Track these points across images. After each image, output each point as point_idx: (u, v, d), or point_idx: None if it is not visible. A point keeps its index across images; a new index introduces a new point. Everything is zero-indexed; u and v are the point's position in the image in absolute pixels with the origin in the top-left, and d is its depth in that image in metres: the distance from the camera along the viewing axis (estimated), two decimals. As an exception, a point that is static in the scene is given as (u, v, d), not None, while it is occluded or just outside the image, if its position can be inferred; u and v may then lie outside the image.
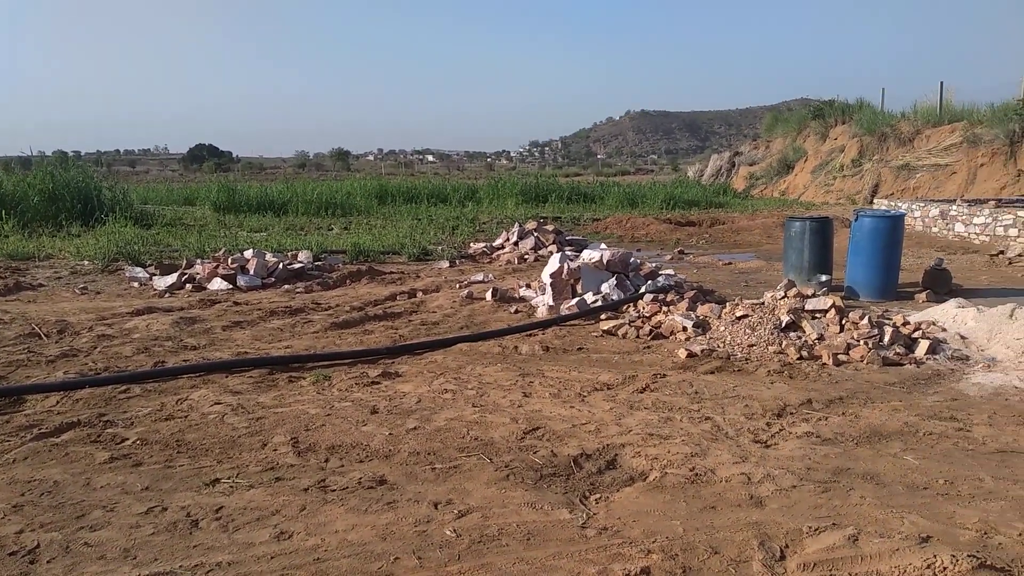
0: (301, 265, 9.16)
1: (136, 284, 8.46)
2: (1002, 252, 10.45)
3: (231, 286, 8.26)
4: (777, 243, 10.45)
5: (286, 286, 8.36)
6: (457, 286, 8.23)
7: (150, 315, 6.70)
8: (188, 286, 8.24)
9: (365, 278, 8.92)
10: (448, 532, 2.78)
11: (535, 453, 3.56)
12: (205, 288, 8.22)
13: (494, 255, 10.92)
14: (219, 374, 4.94)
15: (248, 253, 9.01)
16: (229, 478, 3.29)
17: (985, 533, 2.71)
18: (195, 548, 2.67)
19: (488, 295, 7.42)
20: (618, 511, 2.95)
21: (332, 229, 14.65)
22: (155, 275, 8.71)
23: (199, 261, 9.14)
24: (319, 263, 9.65)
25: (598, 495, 3.12)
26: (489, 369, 5.07)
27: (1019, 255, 10.17)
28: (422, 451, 3.59)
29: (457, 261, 10.40)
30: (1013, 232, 11.39)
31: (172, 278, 8.36)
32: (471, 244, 11.89)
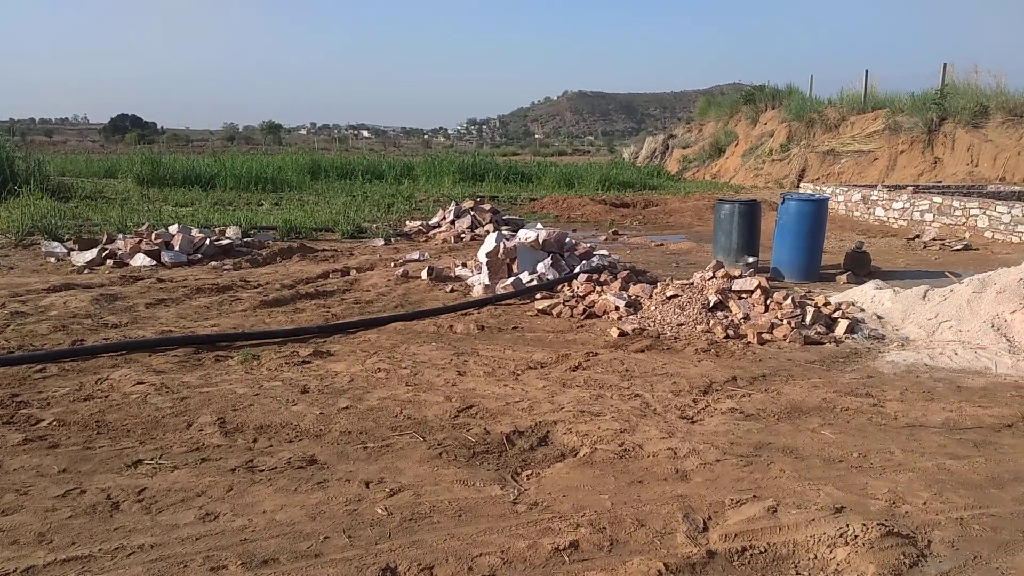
0: (229, 241, 8.91)
1: (53, 259, 8.07)
2: (918, 236, 10.97)
3: (155, 262, 7.97)
4: (707, 225, 10.70)
5: (213, 263, 8.12)
6: (392, 264, 8.15)
7: (68, 292, 6.42)
8: (109, 262, 7.91)
9: (297, 255, 8.74)
10: (379, 510, 2.77)
11: (468, 431, 3.57)
12: (127, 264, 7.92)
13: (430, 234, 10.84)
14: (142, 353, 4.78)
15: (173, 228, 8.70)
16: (152, 459, 3.20)
17: (894, 503, 2.87)
18: (115, 531, 2.60)
19: (424, 274, 7.37)
20: (549, 487, 3.00)
21: (262, 205, 14.27)
22: (73, 250, 8.33)
23: (121, 236, 8.78)
24: (248, 239, 9.41)
25: (530, 471, 3.17)
26: (423, 348, 5.05)
27: (933, 239, 10.69)
28: (354, 430, 3.57)
29: (392, 239, 10.29)
30: (928, 217, 11.95)
31: (92, 253, 8.01)
32: (407, 222, 11.77)
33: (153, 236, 8.41)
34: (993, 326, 5.23)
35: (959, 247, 10.15)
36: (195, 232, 8.82)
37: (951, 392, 4.28)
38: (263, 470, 3.12)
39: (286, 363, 4.67)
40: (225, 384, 4.24)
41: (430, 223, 11.36)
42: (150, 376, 4.33)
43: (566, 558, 2.46)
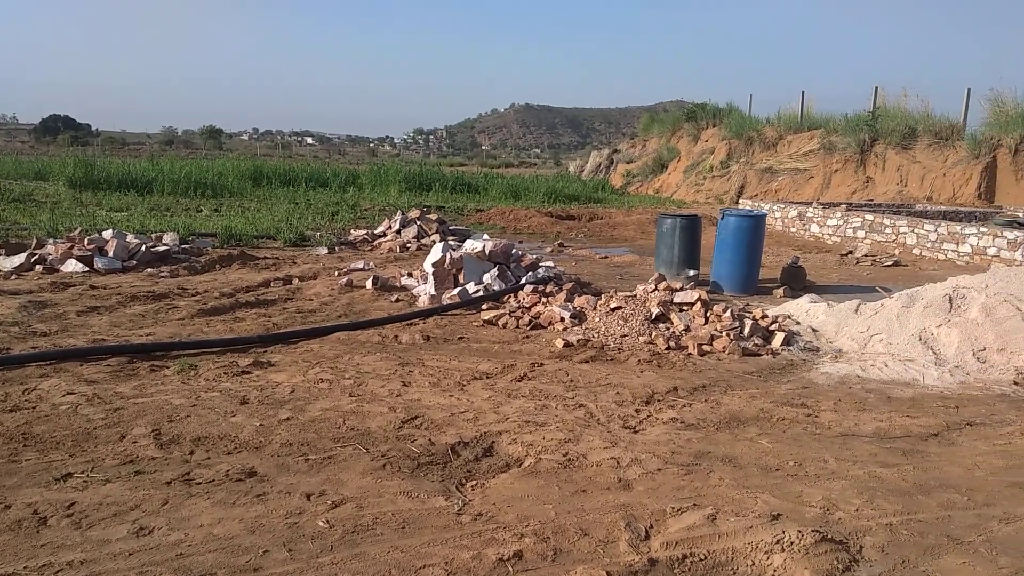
0: (167, 248, 8.66)
1: (-24, 264, 7.71)
2: (851, 252, 11.37)
3: (87, 269, 7.69)
4: (650, 238, 10.89)
5: (149, 270, 7.88)
6: (336, 273, 8.05)
7: (-8, 298, 6.14)
8: (38, 268, 7.59)
9: (237, 263, 8.55)
10: (321, 523, 2.73)
11: (413, 442, 3.55)
12: (58, 270, 7.62)
13: (375, 243, 10.75)
14: (72, 362, 4.61)
15: (107, 234, 8.42)
16: (83, 472, 3.08)
17: (827, 509, 2.96)
18: (43, 547, 2.49)
19: (368, 283, 7.30)
20: (493, 497, 3.00)
21: (202, 211, 13.93)
22: (0, 255, 7.98)
23: (51, 241, 8.46)
24: (186, 246, 9.16)
25: (474, 482, 3.16)
26: (368, 358, 5.00)
27: (865, 255, 11.10)
28: (295, 442, 3.50)
29: (337, 248, 10.16)
30: (861, 234, 12.41)
31: (20, 259, 7.68)
32: (352, 231, 11.65)
33: (86, 241, 8.12)
34: (921, 339, 5.45)
35: (889, 263, 10.56)
36: (130, 238, 8.55)
37: (881, 403, 4.45)
38: (200, 483, 3.04)
39: (225, 373, 4.56)
40: (161, 395, 4.12)
41: (375, 232, 11.27)
42: (81, 386, 4.17)
43: (510, 568, 2.46)
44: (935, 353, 5.30)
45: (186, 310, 6.17)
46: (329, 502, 2.90)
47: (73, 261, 7.70)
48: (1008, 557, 2.62)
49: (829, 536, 2.68)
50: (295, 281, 7.63)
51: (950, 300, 5.73)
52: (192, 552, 2.49)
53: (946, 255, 10.93)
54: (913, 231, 11.56)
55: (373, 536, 2.65)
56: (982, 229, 10.65)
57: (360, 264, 8.53)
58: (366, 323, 5.92)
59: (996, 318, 5.44)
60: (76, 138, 61.06)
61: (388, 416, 3.87)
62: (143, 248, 8.32)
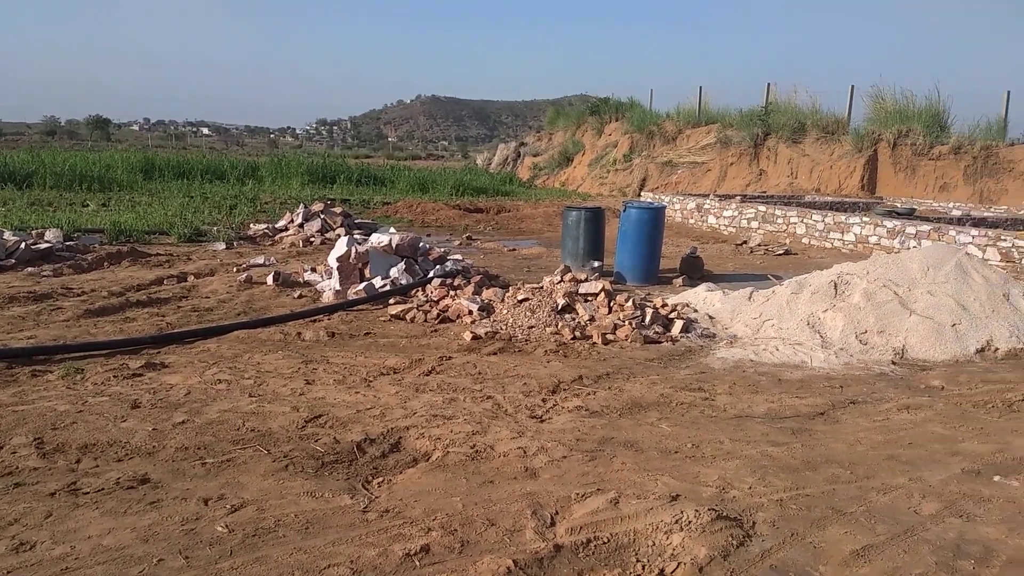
0: (49, 245, 8.13)
1: None
2: (745, 242, 11.89)
3: (-42, 268, 7.13)
4: (557, 231, 11.04)
5: (29, 269, 7.38)
6: (235, 270, 7.77)
7: None
8: (-101, 268, 6.99)
9: (127, 260, 8.12)
10: (219, 528, 2.64)
11: (317, 441, 3.48)
12: (-77, 271, 7.03)
13: (277, 237, 10.44)
14: (-59, 370, 4.27)
15: (-20, 231, 7.83)
16: (-47, 488, 2.87)
17: (723, 489, 3.09)
18: (-94, 572, 2.30)
19: (269, 279, 7.09)
20: (400, 492, 2.98)
21: (88, 206, 13.15)
22: None
23: (-86, 239, 7.78)
24: (71, 243, 8.63)
25: (381, 478, 3.13)
26: (269, 357, 4.86)
27: (759, 245, 11.63)
28: (191, 446, 3.37)
29: (235, 243, 9.81)
30: (754, 224, 12.98)
31: None
32: (251, 225, 11.27)
33: (-45, 239, 7.52)
34: (809, 324, 5.76)
35: (781, 252, 11.10)
36: (8, 235, 7.98)
37: (773, 385, 4.68)
38: (88, 492, 2.88)
39: (114, 377, 4.33)
40: (43, 401, 3.87)
41: (277, 226, 10.93)
42: (-50, 395, 3.87)
43: (417, 563, 2.45)
44: (822, 336, 5.62)
45: (71, 311, 5.82)
46: (228, 506, 2.81)
47: (-59, 260, 7.13)
48: (885, 525, 2.81)
49: (724, 514, 2.80)
50: (191, 278, 7.32)
51: (835, 286, 6.08)
52: (79, 566, 2.36)
53: (832, 244, 11.59)
54: (802, 221, 12.19)
55: (275, 539, 2.59)
56: (864, 219, 11.35)
57: (260, 260, 8.27)
58: (267, 320, 5.75)
59: (876, 302, 5.82)
60: (-58, 127, 56.31)
61: (291, 416, 3.78)
62: (22, 246, 7.78)
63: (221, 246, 9.49)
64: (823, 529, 2.77)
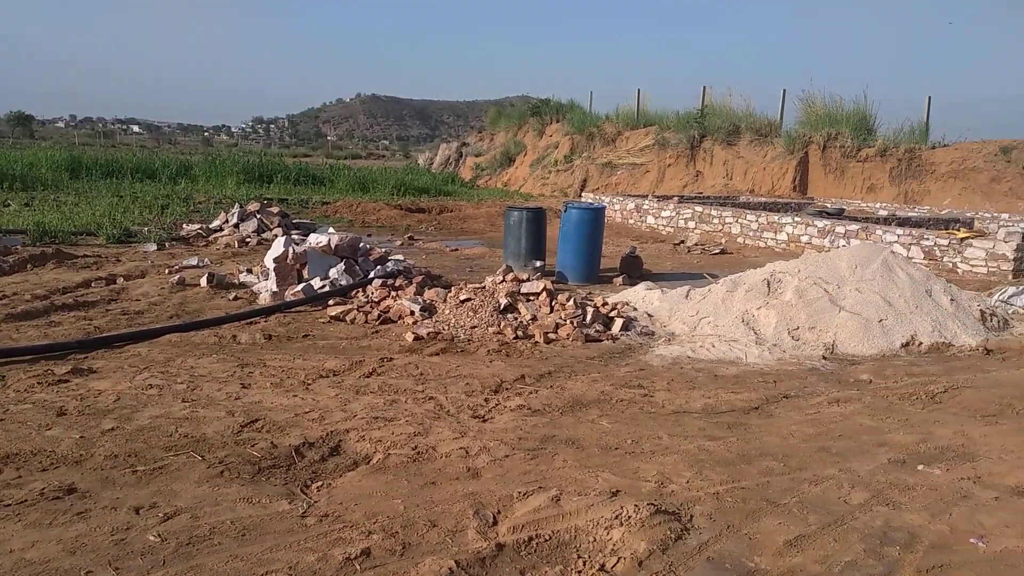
0: (-34, 247, 7.74)
1: None
2: (683, 242, 12.13)
3: None
4: (500, 231, 11.06)
5: (-56, 271, 7.01)
6: (167, 271, 7.53)
7: None
8: None
9: (52, 262, 7.78)
10: (152, 537, 2.55)
11: (253, 446, 3.40)
12: None
13: (211, 238, 10.16)
14: None
15: None
16: None
17: (662, 483, 3.15)
18: None
19: (203, 281, 6.90)
20: (340, 496, 2.94)
21: (9, 205, 12.57)
22: None
23: None
24: (-9, 245, 8.23)
25: (320, 483, 3.08)
26: (203, 361, 4.72)
27: (696, 244, 11.88)
28: (121, 453, 3.25)
29: (167, 244, 9.51)
30: (691, 224, 13.26)
31: None
32: (184, 225, 10.94)
33: None
34: (743, 321, 5.91)
35: (717, 251, 11.37)
36: (-81, 236, 7.56)
37: (709, 380, 4.78)
38: (9, 504, 2.75)
39: (38, 383, 4.15)
40: (-41, 411, 3.68)
41: (211, 227, 10.65)
42: None
43: (357, 567, 2.42)
44: (756, 333, 5.77)
45: (-10, 315, 5.55)
46: (161, 514, 2.72)
47: None
48: (816, 515, 2.91)
49: (663, 508, 2.85)
50: (120, 280, 7.07)
51: (768, 284, 6.25)
52: (-2, 582, 2.26)
53: (766, 243, 11.92)
54: (737, 221, 12.50)
55: (210, 546, 2.52)
56: (796, 219, 11.71)
57: (194, 261, 8.05)
58: (201, 323, 5.59)
59: (807, 299, 6.01)
60: None
61: (226, 420, 3.68)
62: (-65, 247, 7.38)
63: (152, 247, 9.19)
64: (758, 520, 2.85)
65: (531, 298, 6.27)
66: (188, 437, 3.47)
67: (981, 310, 6.18)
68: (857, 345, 5.62)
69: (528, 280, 6.56)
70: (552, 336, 5.61)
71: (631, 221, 14.78)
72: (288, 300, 6.41)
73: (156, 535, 2.57)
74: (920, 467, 3.43)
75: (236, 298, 6.57)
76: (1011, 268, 8.96)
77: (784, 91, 19.65)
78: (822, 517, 2.89)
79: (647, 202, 14.63)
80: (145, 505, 2.79)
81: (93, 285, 6.80)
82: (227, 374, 4.47)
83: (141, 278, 7.24)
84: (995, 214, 13.85)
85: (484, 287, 6.43)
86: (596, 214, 8.48)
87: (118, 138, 67.70)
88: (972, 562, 2.59)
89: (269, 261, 6.92)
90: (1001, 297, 7.48)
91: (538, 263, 8.44)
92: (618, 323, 5.93)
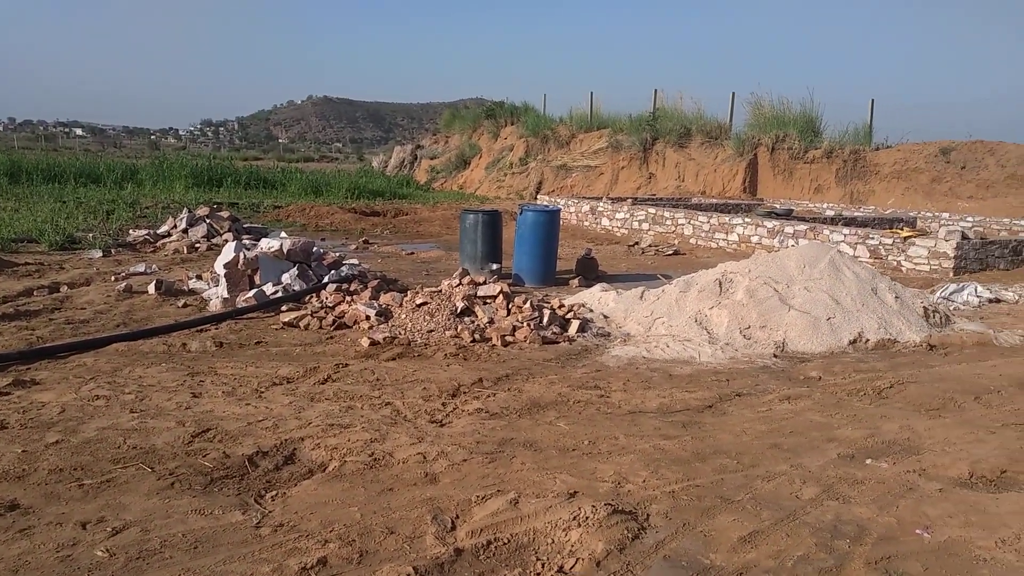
0: None
1: None
2: (637, 243, 12.27)
3: None
4: (456, 234, 11.03)
5: None
6: (113, 278, 7.33)
7: None
8: None
9: (-9, 270, 7.51)
10: (99, 553, 2.48)
11: (205, 456, 3.33)
12: None
13: (159, 244, 9.92)
14: None
15: None
16: None
17: (619, 483, 3.17)
18: None
19: (151, 288, 6.73)
20: (295, 506, 2.89)
21: (-56, 211, 12.07)
22: None
23: None
24: (-76, 253, 7.90)
25: (275, 492, 3.03)
26: (151, 370, 4.61)
27: (650, 246, 12.02)
28: (67, 467, 3.15)
29: (113, 251, 9.25)
30: (645, 226, 13.42)
31: None
32: (131, 231, 10.65)
33: None
34: (696, 320, 6.01)
35: (670, 252, 11.53)
36: None
37: (664, 380, 4.84)
38: (-55, 525, 2.64)
39: (-24, 396, 3.99)
40: None
41: (159, 232, 10.40)
42: None
43: (314, 577, 2.38)
44: (709, 332, 5.86)
45: (-77, 327, 5.33)
46: (109, 529, 2.65)
47: None
48: (769, 511, 2.97)
49: (620, 508, 2.88)
50: (64, 288, 6.85)
51: (720, 284, 6.36)
52: (-65, 606, 2.16)
53: (718, 244, 12.13)
54: (690, 222, 12.70)
55: (161, 560, 2.46)
56: (746, 220, 11.94)
57: (141, 267, 7.85)
58: (149, 331, 5.45)
59: (758, 299, 6.13)
60: None
61: (176, 431, 3.60)
62: None
63: (97, 254, 8.92)
64: (713, 518, 2.89)
65: (488, 301, 6.27)
66: (137, 449, 3.38)
67: (924, 307, 6.39)
68: (806, 343, 5.75)
69: (485, 283, 6.56)
70: (509, 339, 5.62)
71: (586, 223, 14.89)
72: (240, 306, 6.29)
73: (104, 550, 2.50)
74: (868, 461, 3.52)
75: (186, 305, 6.42)
76: (952, 266, 9.29)
77: (733, 94, 20.05)
78: (775, 513, 2.95)
79: (602, 204, 14.76)
80: (92, 520, 2.71)
81: (35, 294, 6.58)
82: (177, 383, 4.37)
83: (86, 286, 7.03)
84: (936, 213, 14.34)
85: (441, 291, 6.41)
86: (551, 216, 8.52)
87: (60, 141, 65.53)
88: (918, 552, 2.68)
89: (219, 267, 6.78)
90: (943, 294, 7.75)
91: (495, 266, 8.44)
92: (574, 325, 5.97)
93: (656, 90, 21.38)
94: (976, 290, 7.83)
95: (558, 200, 16.21)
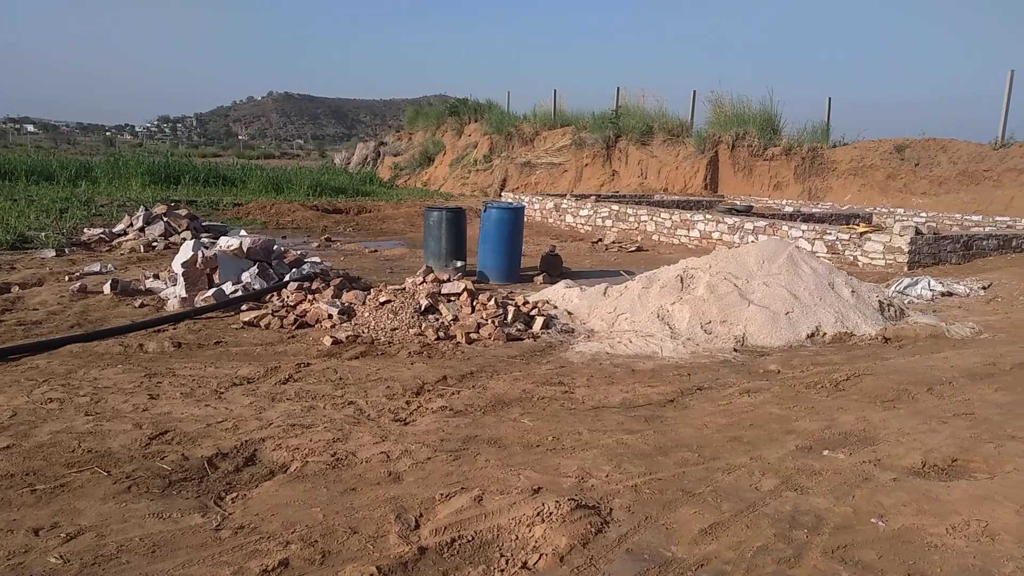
0: None
1: None
2: (601, 240, 12.34)
3: None
4: (420, 231, 10.99)
5: None
6: (67, 278, 7.15)
7: None
8: None
9: (-63, 271, 7.27)
10: (53, 559, 2.42)
11: (163, 459, 3.26)
12: None
13: (115, 242, 9.69)
14: None
15: None
16: None
17: (582, 478, 3.19)
18: None
19: (107, 288, 6.57)
20: (256, 507, 2.86)
21: None
22: None
23: None
24: None
25: (235, 494, 2.98)
26: (107, 372, 4.50)
27: (613, 242, 12.11)
28: (18, 472, 3.07)
29: (67, 250, 9.01)
30: (609, 223, 13.50)
31: None
32: (85, 230, 10.39)
33: None
34: (659, 316, 6.07)
35: (633, 249, 11.62)
36: None
37: (627, 375, 4.89)
38: None
39: (-78, 401, 3.86)
40: None
41: (114, 231, 10.15)
42: None
43: (276, 579, 2.36)
44: (671, 328, 5.93)
45: None
46: (63, 535, 2.58)
47: None
48: (729, 503, 3.01)
49: (583, 503, 2.90)
50: (15, 289, 6.66)
51: (681, 280, 6.43)
52: None
53: (680, 240, 12.26)
54: (652, 219, 12.82)
55: (117, 566, 2.41)
56: (707, 216, 12.09)
57: (96, 267, 7.66)
58: (105, 332, 5.33)
59: (718, 294, 6.22)
60: None
61: (133, 433, 3.52)
62: None
63: (50, 253, 8.69)
64: (674, 511, 2.93)
65: (452, 298, 6.25)
66: (92, 452, 3.30)
67: (880, 301, 6.54)
68: (766, 337, 5.85)
69: (449, 280, 6.55)
70: (474, 336, 5.62)
71: (550, 220, 14.94)
72: (198, 306, 6.18)
73: (58, 556, 2.44)
74: (825, 452, 3.60)
75: (143, 305, 6.29)
76: (906, 260, 9.53)
77: (695, 92, 20.28)
78: (735, 504, 2.99)
79: (565, 201, 14.82)
80: (46, 526, 2.64)
81: (-16, 294, 6.39)
82: (134, 385, 4.28)
83: (38, 286, 6.84)
84: (891, 209, 14.69)
85: (404, 288, 6.38)
86: (516, 214, 8.53)
87: (11, 138, 63.71)
88: (873, 541, 2.74)
89: (177, 266, 6.65)
90: (898, 288, 7.95)
91: (459, 263, 8.42)
92: (539, 321, 5.99)
93: (619, 88, 21.54)
94: (929, 284, 8.05)
95: (522, 197, 16.22)
